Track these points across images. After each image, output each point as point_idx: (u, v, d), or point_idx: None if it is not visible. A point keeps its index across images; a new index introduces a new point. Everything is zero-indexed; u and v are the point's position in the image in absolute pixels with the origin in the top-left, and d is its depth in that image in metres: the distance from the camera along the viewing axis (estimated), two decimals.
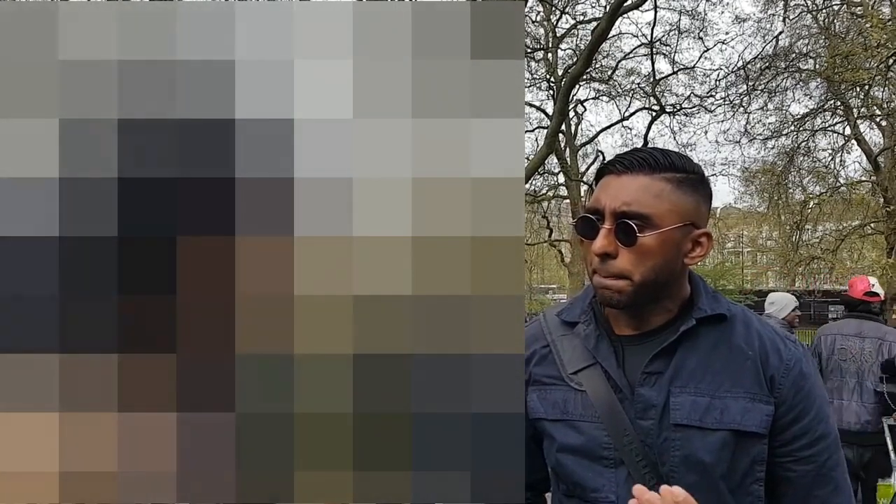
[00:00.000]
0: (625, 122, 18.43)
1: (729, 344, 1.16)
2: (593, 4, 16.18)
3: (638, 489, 0.98)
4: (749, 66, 14.80)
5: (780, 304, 4.97)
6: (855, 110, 14.65)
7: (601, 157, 18.47)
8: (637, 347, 1.18)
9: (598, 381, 1.17)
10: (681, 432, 1.12)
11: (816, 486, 1.15)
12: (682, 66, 16.48)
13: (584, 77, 15.11)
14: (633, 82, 17.66)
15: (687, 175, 1.14)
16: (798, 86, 14.97)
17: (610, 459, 1.15)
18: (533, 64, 16.44)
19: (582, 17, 16.14)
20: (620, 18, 12.79)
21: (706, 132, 26.52)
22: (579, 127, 20.21)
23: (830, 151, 16.28)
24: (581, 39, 16.24)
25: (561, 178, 19.27)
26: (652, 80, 16.04)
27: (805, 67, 14.63)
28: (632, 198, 1.10)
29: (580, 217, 1.13)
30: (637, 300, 1.13)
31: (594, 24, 14.03)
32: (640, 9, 12.98)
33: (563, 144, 18.70)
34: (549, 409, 1.21)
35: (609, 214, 1.10)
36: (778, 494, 1.18)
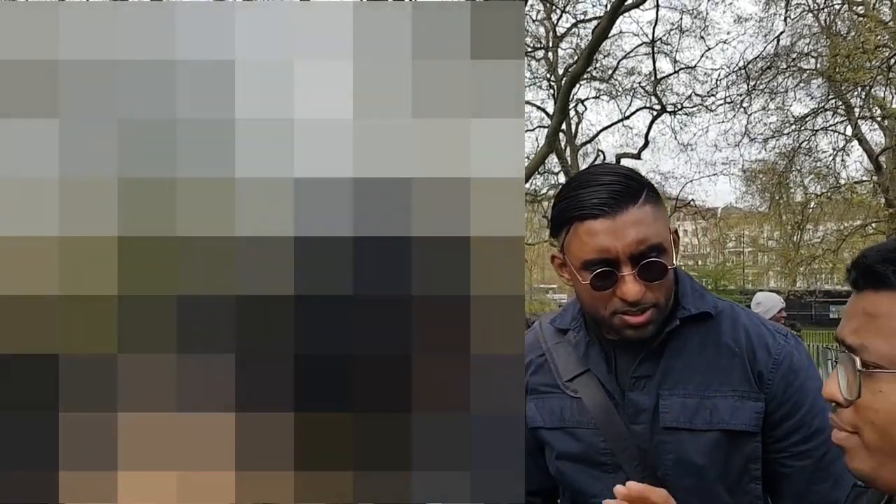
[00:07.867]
0: (625, 122, 18.38)
1: (715, 342, 1.14)
2: (594, 3, 16.21)
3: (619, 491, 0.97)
4: (750, 65, 14.79)
5: (766, 305, 4.98)
6: (856, 109, 14.62)
7: (602, 157, 18.43)
8: (627, 351, 1.16)
9: (592, 387, 1.16)
10: (672, 435, 1.11)
11: (815, 482, 1.12)
12: (683, 66, 16.46)
13: (585, 76, 15.07)
14: (633, 81, 17.62)
15: (648, 185, 1.11)
16: (799, 85, 14.96)
17: (608, 465, 1.14)
18: (533, 63, 16.43)
19: (583, 16, 16.11)
20: (621, 17, 12.76)
21: (707, 131, 26.49)
22: (580, 126, 20.15)
23: (832, 151, 16.28)
24: (582, 38, 16.18)
25: (562, 178, 19.23)
26: (653, 79, 16.03)
27: (806, 67, 14.61)
28: (640, 235, 1.06)
29: (597, 273, 1.07)
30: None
31: (595, 22, 14.02)
32: (641, 7, 12.99)
33: (563, 144, 18.65)
34: (547, 417, 1.20)
35: (626, 259, 1.06)
36: (776, 491, 1.16)
